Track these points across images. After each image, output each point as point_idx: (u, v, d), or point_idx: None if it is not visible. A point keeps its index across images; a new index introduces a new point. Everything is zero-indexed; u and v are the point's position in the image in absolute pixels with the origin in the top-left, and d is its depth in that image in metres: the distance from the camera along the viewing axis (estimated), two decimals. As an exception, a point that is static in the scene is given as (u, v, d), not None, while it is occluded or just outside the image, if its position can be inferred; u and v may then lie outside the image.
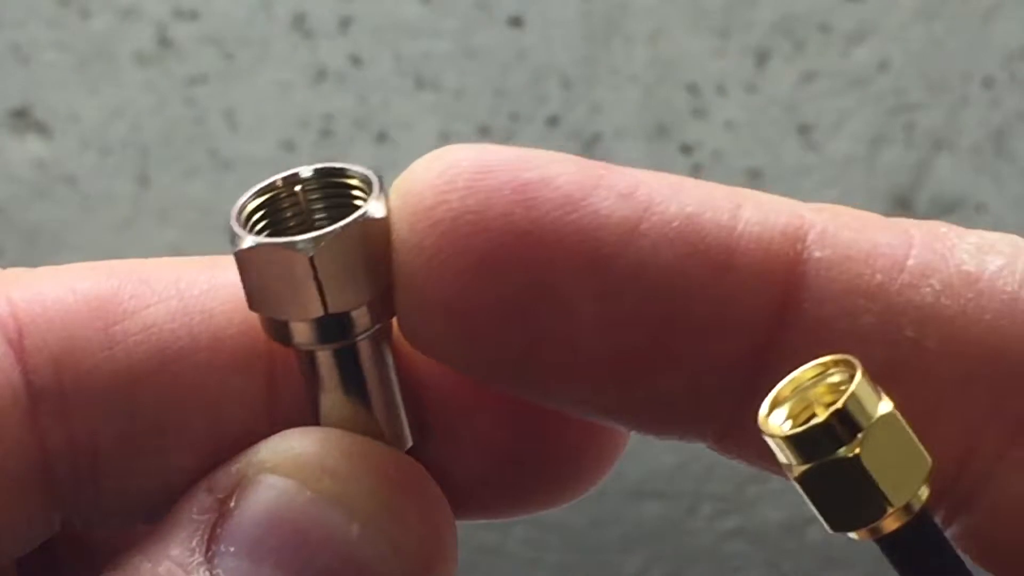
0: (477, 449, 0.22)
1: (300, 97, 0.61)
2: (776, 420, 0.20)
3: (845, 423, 0.19)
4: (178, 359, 0.22)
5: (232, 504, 0.21)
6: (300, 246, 0.21)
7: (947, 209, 0.63)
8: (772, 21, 0.61)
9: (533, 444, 0.22)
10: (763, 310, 0.20)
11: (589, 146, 0.62)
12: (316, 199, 0.23)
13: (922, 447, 0.19)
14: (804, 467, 0.19)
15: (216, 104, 0.61)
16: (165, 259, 0.23)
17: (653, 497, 0.65)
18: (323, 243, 0.21)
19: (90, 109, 0.61)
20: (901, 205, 0.63)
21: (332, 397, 0.22)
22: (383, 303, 0.21)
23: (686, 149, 0.62)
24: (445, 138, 0.62)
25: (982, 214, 0.63)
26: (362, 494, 0.21)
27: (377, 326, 0.21)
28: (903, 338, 0.20)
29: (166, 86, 0.61)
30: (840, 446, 0.19)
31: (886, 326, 0.20)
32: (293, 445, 0.21)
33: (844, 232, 0.20)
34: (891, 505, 0.19)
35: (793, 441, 0.19)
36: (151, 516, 0.22)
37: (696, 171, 0.62)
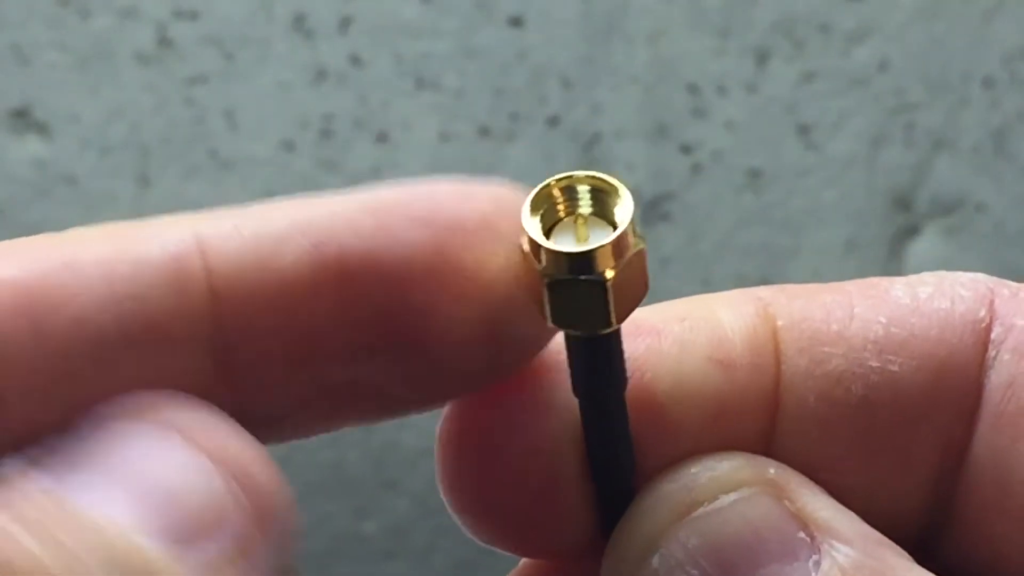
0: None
1: (300, 97, 0.61)
2: (533, 215, 0.21)
3: (615, 251, 0.21)
4: (113, 350, 0.21)
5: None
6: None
7: (947, 209, 0.63)
8: (772, 21, 0.61)
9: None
10: (766, 390, 0.23)
11: (589, 146, 0.62)
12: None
13: (647, 279, 0.22)
14: (559, 278, 0.20)
15: (216, 104, 0.61)
16: (89, 231, 0.22)
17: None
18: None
19: (90, 109, 0.61)
20: (901, 205, 0.63)
21: None
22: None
23: (686, 149, 0.62)
24: (445, 138, 0.62)
25: (982, 214, 0.63)
26: None
27: None
28: (870, 369, 0.23)
29: (166, 86, 0.61)
30: (600, 269, 0.21)
31: (853, 363, 0.23)
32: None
33: (796, 301, 0.24)
34: (613, 323, 0.21)
35: (567, 257, 0.20)
36: None
37: (696, 171, 0.62)
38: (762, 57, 0.61)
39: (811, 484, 0.23)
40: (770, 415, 0.23)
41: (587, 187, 0.22)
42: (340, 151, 0.62)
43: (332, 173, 0.62)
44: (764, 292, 0.24)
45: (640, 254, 0.21)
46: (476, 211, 0.22)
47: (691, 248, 0.63)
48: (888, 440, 0.23)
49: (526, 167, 0.61)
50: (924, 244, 0.64)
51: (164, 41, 0.61)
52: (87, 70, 0.61)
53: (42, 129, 0.62)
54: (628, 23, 0.61)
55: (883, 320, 0.23)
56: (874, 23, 0.61)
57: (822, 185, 0.63)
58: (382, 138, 0.62)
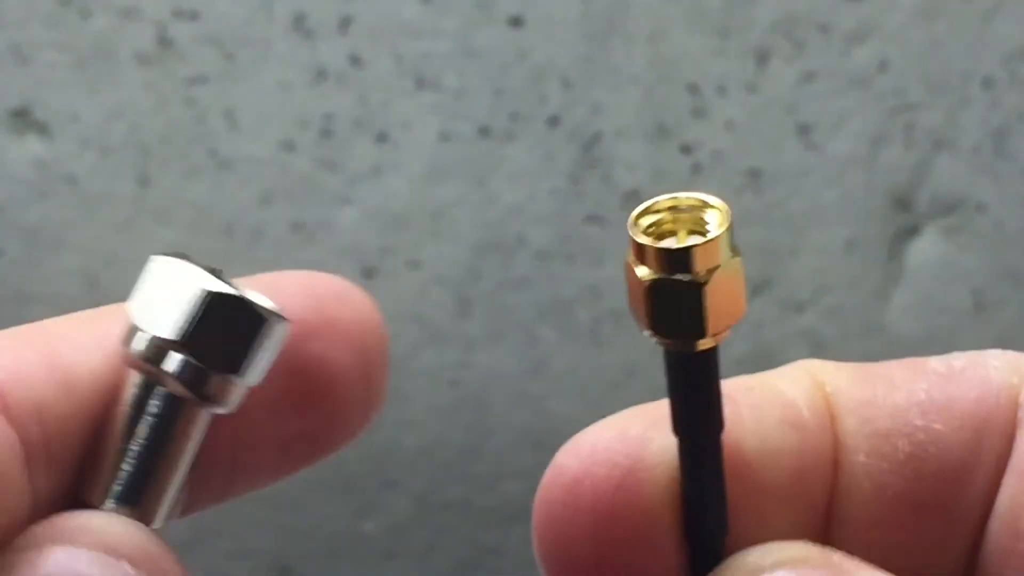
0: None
1: (300, 97, 0.61)
2: (638, 226, 0.23)
3: (709, 254, 0.22)
4: (110, 402, 0.24)
5: None
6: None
7: (947, 209, 0.63)
8: (772, 21, 0.61)
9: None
10: (829, 450, 0.25)
11: (589, 146, 0.62)
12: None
13: (744, 298, 0.23)
14: (658, 276, 0.22)
15: (216, 104, 0.61)
16: (70, 317, 0.26)
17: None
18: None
19: (90, 109, 0.61)
20: (901, 205, 0.63)
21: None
22: None
23: (686, 149, 0.62)
24: (445, 138, 0.62)
25: (982, 214, 0.63)
26: None
27: None
28: (915, 427, 0.25)
29: (166, 86, 0.61)
30: (696, 271, 0.22)
31: (898, 422, 0.25)
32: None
33: (841, 372, 0.26)
34: (706, 334, 0.23)
35: (665, 253, 0.22)
36: None
37: (696, 171, 0.62)
38: (762, 57, 0.61)
39: (872, 569, 0.24)
40: (833, 474, 0.25)
41: (690, 205, 0.23)
42: (340, 151, 0.62)
43: (332, 173, 0.62)
44: (811, 364, 0.26)
45: (737, 267, 0.23)
46: (343, 285, 0.26)
47: (691, 248, 0.63)
48: (934, 495, 0.25)
49: (526, 167, 0.61)
50: (924, 244, 0.64)
51: (164, 41, 0.61)
52: (87, 70, 0.61)
53: (42, 129, 0.62)
54: (628, 23, 0.61)
55: (924, 386, 0.25)
56: (874, 23, 0.61)
57: (822, 185, 0.63)
58: (382, 138, 0.62)
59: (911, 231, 0.64)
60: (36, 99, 0.61)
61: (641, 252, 0.23)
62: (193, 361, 0.24)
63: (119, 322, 0.25)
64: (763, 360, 0.62)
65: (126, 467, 0.24)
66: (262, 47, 0.61)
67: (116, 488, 0.24)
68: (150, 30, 0.61)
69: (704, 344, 0.23)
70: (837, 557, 0.24)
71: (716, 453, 0.24)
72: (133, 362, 0.24)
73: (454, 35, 0.61)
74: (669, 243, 0.23)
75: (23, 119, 0.62)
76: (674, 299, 0.22)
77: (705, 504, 0.24)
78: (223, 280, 0.24)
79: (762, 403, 0.25)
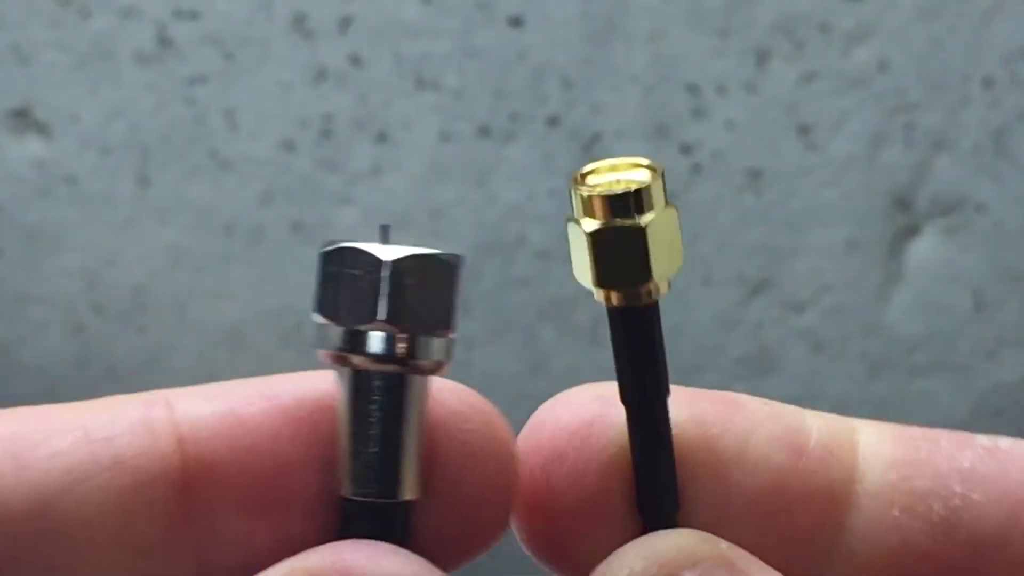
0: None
1: (300, 97, 0.61)
2: (576, 190, 0.24)
3: (644, 198, 0.24)
4: (83, 480, 0.24)
5: None
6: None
7: (947, 209, 0.63)
8: (772, 21, 0.61)
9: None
10: (832, 486, 0.25)
11: (589, 146, 0.62)
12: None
13: (681, 247, 0.24)
14: (600, 224, 0.24)
15: (216, 104, 0.61)
16: (66, 404, 0.25)
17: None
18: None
19: (90, 109, 0.61)
20: (901, 205, 0.63)
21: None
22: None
23: (686, 149, 0.62)
24: (445, 138, 0.62)
25: (982, 214, 0.63)
26: None
27: None
28: (954, 493, 0.25)
29: (166, 86, 0.61)
30: (634, 216, 0.23)
31: (937, 486, 0.25)
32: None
33: (887, 428, 0.26)
34: (650, 278, 0.24)
35: (608, 200, 0.24)
36: None
37: (696, 171, 0.62)
38: (762, 57, 0.61)
39: (762, 563, 0.24)
40: (839, 510, 0.25)
41: (627, 166, 0.25)
42: (340, 151, 0.62)
43: (332, 173, 0.62)
44: (858, 421, 0.26)
45: (673, 217, 0.24)
46: (484, 411, 0.26)
47: (691, 248, 0.63)
48: (962, 562, 0.25)
49: (526, 167, 0.61)
50: (924, 244, 0.64)
51: (164, 41, 0.61)
52: (87, 70, 0.61)
53: (42, 129, 0.62)
54: (628, 23, 0.61)
55: (968, 455, 0.26)
56: (874, 23, 0.61)
57: (822, 185, 0.63)
58: (382, 138, 0.62)
59: (911, 231, 0.64)
60: (36, 99, 0.61)
61: (585, 204, 0.24)
62: (399, 333, 0.23)
63: (101, 411, 0.25)
64: (763, 360, 0.62)
65: (370, 457, 0.24)
66: (262, 47, 0.61)
67: (366, 478, 0.24)
68: (150, 30, 0.61)
69: (647, 296, 0.24)
70: (727, 548, 0.24)
71: (662, 420, 0.25)
72: (337, 358, 0.24)
73: (454, 35, 0.61)
74: (611, 190, 0.24)
75: (23, 119, 0.62)
76: (619, 244, 0.23)
77: (653, 475, 0.25)
78: (392, 242, 0.24)
79: (766, 418, 0.25)
